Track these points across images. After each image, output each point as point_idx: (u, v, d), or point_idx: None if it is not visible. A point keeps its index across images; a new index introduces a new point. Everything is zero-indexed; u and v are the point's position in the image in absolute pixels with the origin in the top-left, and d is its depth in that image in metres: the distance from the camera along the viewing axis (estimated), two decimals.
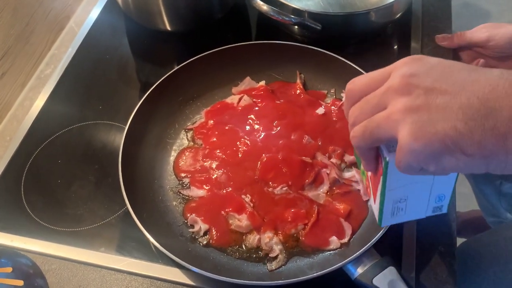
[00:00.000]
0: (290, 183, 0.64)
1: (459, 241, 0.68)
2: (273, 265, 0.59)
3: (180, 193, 0.66)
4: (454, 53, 0.79)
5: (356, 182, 0.64)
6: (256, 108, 0.73)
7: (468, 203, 1.19)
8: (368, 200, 0.63)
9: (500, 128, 0.32)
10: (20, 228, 0.65)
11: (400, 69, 0.37)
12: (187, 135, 0.72)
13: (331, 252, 0.59)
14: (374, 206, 0.50)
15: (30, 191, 0.68)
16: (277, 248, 0.60)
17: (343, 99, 0.61)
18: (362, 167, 0.52)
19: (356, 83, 0.41)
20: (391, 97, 0.37)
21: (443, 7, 0.88)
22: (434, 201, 0.49)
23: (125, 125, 0.66)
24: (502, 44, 0.70)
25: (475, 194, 1.07)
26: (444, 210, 0.50)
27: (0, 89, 0.79)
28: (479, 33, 0.73)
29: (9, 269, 0.53)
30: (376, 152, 0.43)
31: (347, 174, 0.65)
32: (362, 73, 0.67)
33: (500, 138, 0.32)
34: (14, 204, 0.67)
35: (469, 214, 1.30)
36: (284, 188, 0.64)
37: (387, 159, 0.41)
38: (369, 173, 0.49)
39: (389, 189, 0.45)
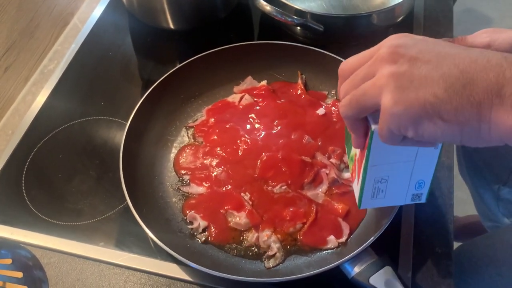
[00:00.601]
0: (289, 182, 0.64)
1: (456, 245, 0.68)
2: (270, 263, 0.59)
3: (180, 190, 0.66)
4: None
5: None
6: (257, 107, 0.73)
7: (466, 208, 1.19)
8: None
9: (475, 97, 0.34)
10: (20, 221, 0.65)
11: (388, 42, 0.40)
12: (188, 133, 0.72)
13: (329, 251, 0.60)
14: (356, 187, 0.51)
15: (31, 185, 0.69)
16: (275, 246, 0.60)
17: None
18: (351, 151, 0.52)
19: (348, 62, 0.44)
20: (378, 65, 0.39)
21: (445, 11, 0.89)
22: (414, 187, 0.49)
23: (127, 121, 0.67)
24: (502, 49, 0.70)
25: (473, 198, 1.07)
26: (423, 200, 0.51)
27: (3, 83, 0.79)
28: (480, 38, 0.73)
29: (8, 261, 0.54)
30: (365, 127, 0.44)
31: (346, 175, 0.66)
32: None
33: (474, 106, 0.34)
34: (15, 197, 0.68)
35: (466, 219, 1.30)
36: (283, 187, 0.64)
37: (373, 128, 0.42)
38: (357, 155, 0.49)
39: (372, 164, 0.46)
